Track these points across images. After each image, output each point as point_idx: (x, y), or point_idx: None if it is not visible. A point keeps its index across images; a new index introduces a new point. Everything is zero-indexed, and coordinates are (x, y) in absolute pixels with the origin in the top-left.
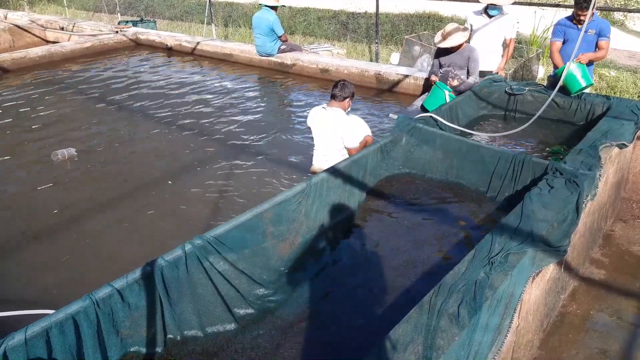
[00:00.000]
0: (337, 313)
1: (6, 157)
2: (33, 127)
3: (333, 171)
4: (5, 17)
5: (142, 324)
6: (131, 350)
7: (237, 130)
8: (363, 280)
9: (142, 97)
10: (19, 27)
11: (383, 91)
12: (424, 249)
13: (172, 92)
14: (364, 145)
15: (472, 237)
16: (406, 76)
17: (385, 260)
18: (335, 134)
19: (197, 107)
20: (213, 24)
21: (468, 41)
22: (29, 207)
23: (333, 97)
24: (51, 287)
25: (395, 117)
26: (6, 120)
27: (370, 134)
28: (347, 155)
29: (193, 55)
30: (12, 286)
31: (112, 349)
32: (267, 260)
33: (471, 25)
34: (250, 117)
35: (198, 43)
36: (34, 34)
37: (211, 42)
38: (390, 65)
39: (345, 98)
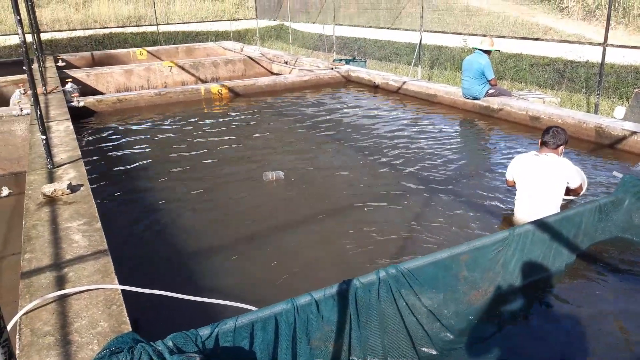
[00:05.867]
0: None
1: (226, 169)
2: (251, 146)
3: (540, 224)
4: (242, 50)
5: (330, 339)
6: None
7: (433, 168)
8: (558, 350)
9: (348, 128)
10: (251, 58)
11: (603, 146)
12: (637, 329)
13: (374, 126)
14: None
15: None
16: (633, 133)
17: (587, 333)
18: (556, 180)
19: (396, 142)
20: (419, 66)
21: None
22: (241, 215)
23: (544, 144)
24: (250, 286)
25: (620, 175)
26: (232, 137)
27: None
28: (559, 208)
29: (398, 94)
30: (221, 279)
31: (301, 356)
32: (457, 305)
33: None
34: (448, 158)
35: (404, 82)
36: (261, 65)
37: (417, 82)
38: (614, 120)
39: (558, 145)
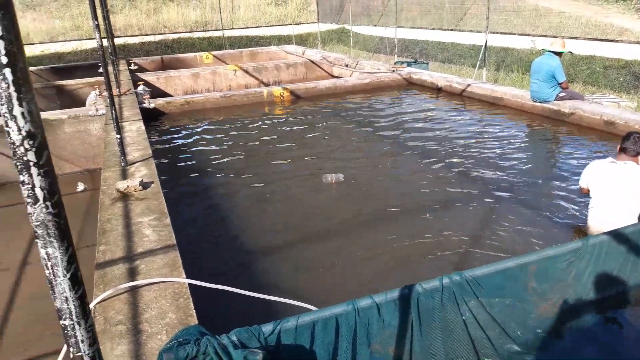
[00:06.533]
0: None
1: (287, 170)
2: (312, 148)
3: (617, 235)
4: (303, 53)
5: (391, 343)
6: None
7: (499, 174)
8: None
9: (409, 132)
10: (312, 62)
11: None
12: None
13: (437, 129)
14: None
15: None
16: None
17: None
18: (634, 189)
19: (460, 146)
20: (485, 68)
21: None
22: (300, 216)
23: (623, 150)
24: (308, 286)
25: None
26: (293, 139)
27: None
28: (637, 219)
29: (461, 96)
30: (279, 277)
31: (361, 359)
32: (524, 316)
33: None
34: (515, 163)
35: (468, 85)
36: (322, 69)
37: (482, 84)
38: None
39: (638, 153)
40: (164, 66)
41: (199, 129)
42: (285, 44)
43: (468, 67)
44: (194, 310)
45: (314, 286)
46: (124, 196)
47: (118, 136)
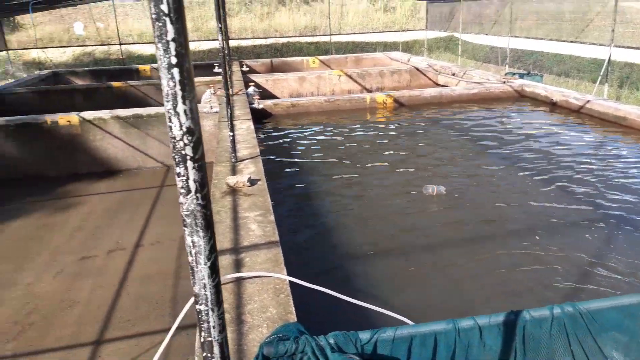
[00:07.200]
0: None
1: (387, 178)
2: (413, 157)
3: None
4: (408, 60)
5: None
6: None
7: (620, 200)
8: None
9: (519, 147)
10: (417, 69)
11: None
12: None
13: (550, 147)
14: None
15: None
16: None
17: None
18: None
19: (575, 166)
20: (606, 84)
21: None
22: (400, 226)
23: None
24: (403, 299)
25: None
26: (394, 147)
27: None
28: None
29: (579, 113)
30: (373, 286)
31: None
32: None
33: None
34: (637, 189)
35: (587, 101)
36: (427, 77)
37: (603, 101)
38: None
39: None
40: (273, 69)
41: (302, 131)
42: (391, 51)
43: (587, 82)
44: (294, 308)
45: (408, 299)
46: (233, 191)
47: (231, 134)
